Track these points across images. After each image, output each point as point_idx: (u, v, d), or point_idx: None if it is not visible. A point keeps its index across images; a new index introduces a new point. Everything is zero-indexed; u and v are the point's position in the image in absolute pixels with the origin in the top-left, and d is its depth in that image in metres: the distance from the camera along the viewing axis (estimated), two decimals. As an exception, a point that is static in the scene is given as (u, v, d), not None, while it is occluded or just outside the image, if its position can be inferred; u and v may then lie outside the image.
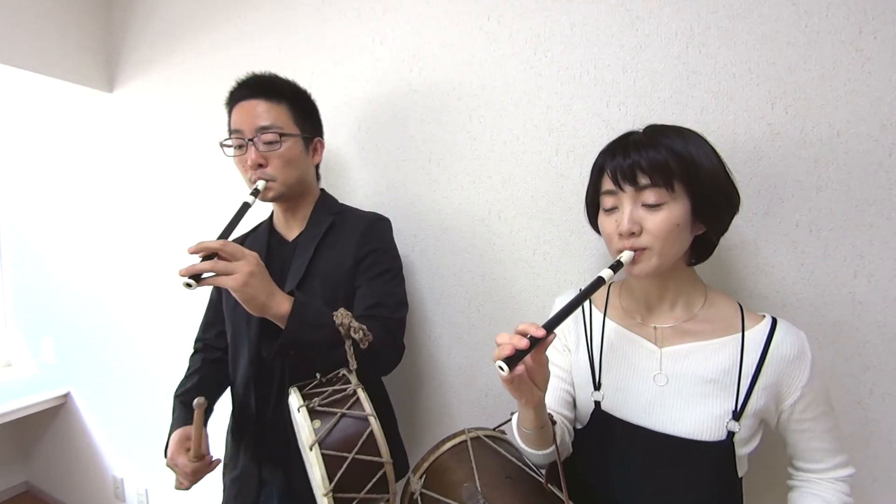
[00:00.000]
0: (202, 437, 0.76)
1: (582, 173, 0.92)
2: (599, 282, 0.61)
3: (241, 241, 0.98)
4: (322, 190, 0.98)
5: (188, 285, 0.60)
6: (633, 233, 0.62)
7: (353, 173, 1.19)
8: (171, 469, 0.80)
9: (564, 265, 0.96)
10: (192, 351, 1.01)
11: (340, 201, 1.00)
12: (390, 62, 1.11)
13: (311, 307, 0.70)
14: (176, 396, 0.91)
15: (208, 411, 0.83)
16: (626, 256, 0.63)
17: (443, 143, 1.06)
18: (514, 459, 0.75)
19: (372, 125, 1.15)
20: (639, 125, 0.69)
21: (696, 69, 0.81)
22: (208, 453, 0.79)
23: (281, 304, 0.67)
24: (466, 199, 1.05)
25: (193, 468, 0.77)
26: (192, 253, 0.62)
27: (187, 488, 0.79)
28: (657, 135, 0.63)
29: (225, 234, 0.69)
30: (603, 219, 0.68)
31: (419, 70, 1.07)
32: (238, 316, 0.89)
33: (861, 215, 0.72)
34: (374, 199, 1.16)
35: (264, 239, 0.93)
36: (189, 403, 0.83)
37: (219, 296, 0.99)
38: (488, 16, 0.99)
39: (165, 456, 0.82)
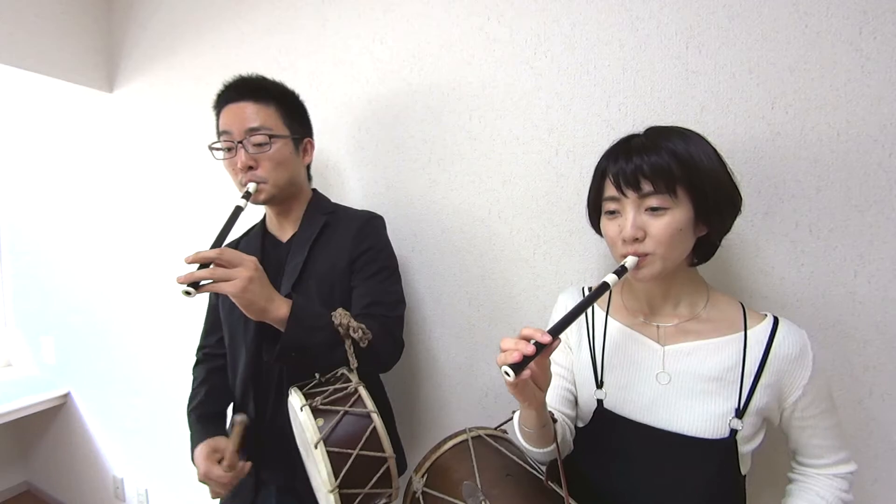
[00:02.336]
0: (237, 450, 0.80)
1: (582, 173, 0.92)
2: (604, 287, 0.61)
3: (235, 244, 0.97)
4: (314, 190, 0.97)
5: (187, 293, 0.60)
6: (637, 238, 0.62)
7: (353, 173, 1.19)
8: (205, 483, 0.82)
9: (564, 265, 0.96)
10: (194, 359, 1.01)
11: (340, 201, 1.00)
12: (390, 62, 1.11)
13: (309, 309, 0.70)
14: (190, 412, 0.92)
15: (244, 427, 0.86)
16: (630, 262, 0.63)
17: (443, 143, 1.06)
18: (514, 457, 0.75)
19: (372, 125, 1.15)
20: (639, 125, 0.69)
21: (696, 69, 0.81)
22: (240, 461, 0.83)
23: (280, 308, 0.67)
24: (466, 199, 1.05)
25: (230, 478, 0.80)
26: (189, 263, 0.62)
27: (223, 496, 0.83)
28: (659, 137, 0.63)
29: (219, 239, 0.69)
30: (606, 223, 0.68)
31: (419, 70, 1.07)
32: (235, 319, 0.89)
33: (861, 215, 0.72)
34: (374, 198, 1.16)
35: (258, 241, 0.93)
36: (207, 417, 0.88)
37: (216, 300, 0.99)
38: (488, 16, 0.99)
39: (194, 463, 0.84)
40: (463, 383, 1.08)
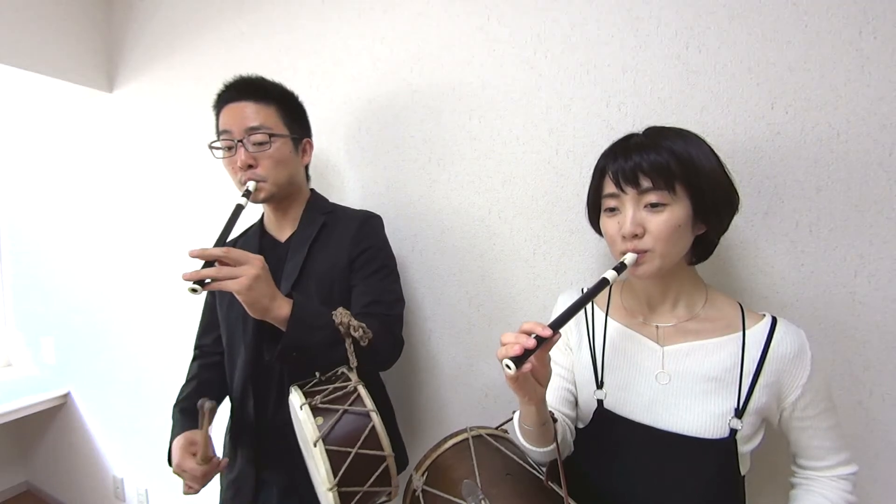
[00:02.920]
0: (207, 440, 0.75)
1: (582, 173, 0.92)
2: (604, 283, 0.61)
3: (233, 244, 0.97)
4: (312, 190, 0.98)
5: (193, 290, 0.60)
6: (636, 235, 0.63)
7: (353, 173, 1.19)
8: (179, 475, 0.79)
9: (564, 265, 0.96)
10: (191, 357, 1.01)
11: (340, 201, 1.00)
12: (390, 62, 1.11)
13: (310, 309, 0.71)
14: (175, 404, 0.90)
15: (212, 413, 0.82)
16: (629, 258, 0.63)
17: (443, 143, 1.06)
18: (514, 457, 0.75)
19: (372, 125, 1.15)
20: (639, 125, 0.69)
21: (696, 69, 0.81)
22: (214, 455, 0.78)
23: (282, 308, 0.67)
24: (466, 199, 1.05)
25: (203, 471, 0.76)
26: (193, 257, 0.62)
27: (197, 492, 0.78)
28: (657, 136, 0.64)
29: (222, 238, 0.69)
30: (605, 220, 0.68)
31: (419, 70, 1.07)
32: (233, 318, 0.89)
33: (861, 215, 0.72)
34: (374, 199, 1.16)
35: (255, 241, 0.93)
36: (189, 410, 0.84)
37: (213, 299, 0.98)
38: (488, 16, 0.99)
39: (170, 464, 0.81)
40: (463, 383, 1.08)
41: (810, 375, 0.62)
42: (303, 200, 0.93)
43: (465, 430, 0.81)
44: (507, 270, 1.02)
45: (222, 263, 0.63)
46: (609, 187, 0.66)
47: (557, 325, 0.56)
